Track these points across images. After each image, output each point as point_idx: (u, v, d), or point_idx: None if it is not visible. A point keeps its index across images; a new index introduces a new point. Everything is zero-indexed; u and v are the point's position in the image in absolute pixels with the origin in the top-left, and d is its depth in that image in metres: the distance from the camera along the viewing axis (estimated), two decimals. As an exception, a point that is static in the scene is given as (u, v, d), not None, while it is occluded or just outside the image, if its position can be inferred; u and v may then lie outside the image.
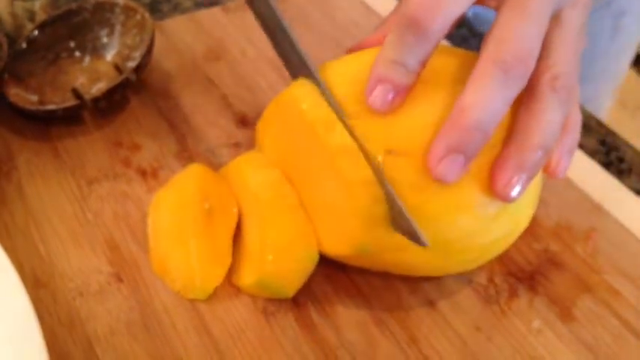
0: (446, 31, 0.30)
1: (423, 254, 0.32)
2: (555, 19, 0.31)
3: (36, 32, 0.46)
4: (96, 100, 0.43)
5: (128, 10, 0.47)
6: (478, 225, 0.31)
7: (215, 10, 0.55)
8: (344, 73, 0.33)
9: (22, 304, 0.30)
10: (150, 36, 0.45)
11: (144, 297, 0.35)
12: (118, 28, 0.47)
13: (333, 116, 0.32)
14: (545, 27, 0.30)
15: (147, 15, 0.46)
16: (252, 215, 0.36)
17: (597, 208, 0.42)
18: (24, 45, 0.45)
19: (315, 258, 0.34)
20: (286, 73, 0.49)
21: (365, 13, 0.56)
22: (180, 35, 0.52)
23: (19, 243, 0.37)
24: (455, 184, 0.30)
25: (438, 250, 0.32)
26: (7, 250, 0.36)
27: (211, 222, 0.36)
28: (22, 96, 0.43)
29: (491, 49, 0.29)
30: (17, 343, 0.29)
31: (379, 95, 0.30)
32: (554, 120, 0.30)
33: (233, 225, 0.36)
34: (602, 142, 0.48)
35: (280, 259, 0.34)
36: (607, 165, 0.46)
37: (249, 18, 0.54)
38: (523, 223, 0.34)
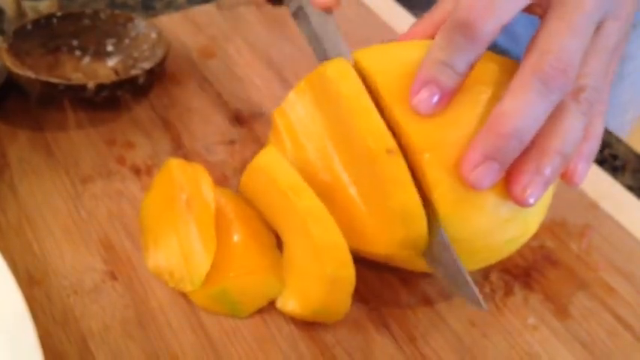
0: (496, 35, 0.30)
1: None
2: (596, 30, 0.31)
3: (43, 21, 0.46)
4: (134, 78, 0.43)
5: (144, 29, 0.47)
6: (490, 226, 0.31)
7: (209, 7, 0.54)
8: (378, 61, 0.33)
9: (16, 303, 0.30)
10: (164, 51, 0.45)
11: (139, 295, 0.35)
12: (126, 41, 0.47)
13: (300, 181, 0.33)
14: (588, 40, 0.30)
15: (162, 34, 0.46)
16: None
17: (592, 205, 0.42)
18: (29, 27, 0.45)
19: (280, 289, 0.35)
20: (281, 72, 0.50)
21: (359, 11, 0.56)
22: (173, 32, 0.52)
23: (12, 241, 0.37)
24: None
25: None
26: (0, 248, 0.36)
27: (191, 211, 0.36)
28: (19, 67, 0.43)
29: (533, 59, 0.29)
30: (11, 341, 0.29)
31: (424, 97, 0.30)
32: (574, 128, 0.30)
33: (211, 210, 0.36)
34: (596, 140, 0.48)
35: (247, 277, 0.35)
36: (601, 162, 0.46)
37: (243, 15, 0.54)
38: (533, 227, 0.34)
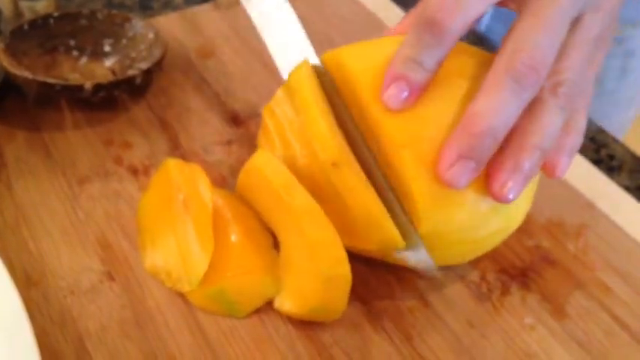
0: (464, 32, 0.30)
1: None
2: (575, 23, 0.31)
3: (40, 21, 0.46)
4: (132, 78, 0.43)
5: (142, 29, 0.47)
6: (471, 220, 0.32)
7: (206, 7, 0.54)
8: (361, 59, 0.34)
9: (13, 303, 0.30)
10: (161, 51, 0.45)
11: (136, 295, 0.35)
12: (123, 41, 0.47)
13: (294, 181, 0.33)
14: (562, 35, 0.30)
15: (160, 34, 0.46)
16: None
17: (588, 205, 0.42)
18: (26, 27, 0.45)
19: (277, 289, 0.35)
20: (278, 72, 0.50)
21: (354, 9, 0.55)
22: (171, 32, 0.52)
23: (9, 242, 0.37)
24: None
25: (430, 242, 0.32)
26: (-3, 248, 0.36)
27: (188, 211, 0.36)
28: (16, 67, 0.43)
29: (505, 56, 0.29)
30: (9, 341, 0.29)
31: (394, 93, 0.31)
32: (551, 123, 0.30)
33: (209, 211, 0.36)
34: (592, 139, 0.48)
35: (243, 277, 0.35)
36: (597, 162, 0.46)
37: (240, 15, 0.54)
38: (517, 219, 0.34)
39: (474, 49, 0.34)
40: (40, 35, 0.46)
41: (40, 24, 0.46)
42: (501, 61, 0.29)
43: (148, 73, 0.44)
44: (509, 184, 0.30)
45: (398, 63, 0.31)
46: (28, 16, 0.49)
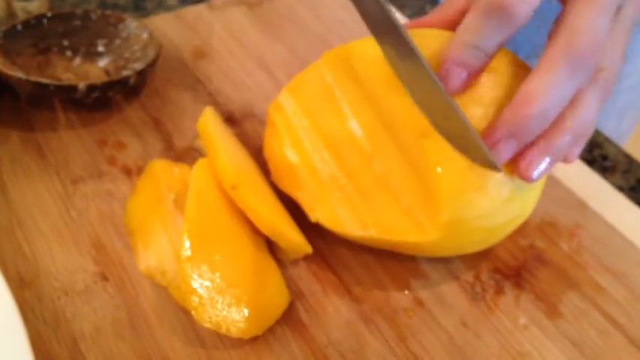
0: (530, 17, 0.30)
1: (434, 235, 0.32)
2: (614, 14, 0.31)
3: (33, 21, 0.46)
4: (126, 79, 0.43)
5: (135, 29, 0.47)
6: (491, 207, 0.32)
7: (200, 8, 0.54)
8: (374, 52, 0.34)
9: (6, 304, 0.30)
10: (155, 51, 0.45)
11: (130, 296, 0.35)
12: (117, 41, 0.47)
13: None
14: (612, 19, 0.30)
15: (154, 34, 0.46)
16: None
17: (582, 205, 0.42)
18: (19, 27, 0.45)
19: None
20: (272, 71, 0.50)
21: (351, 11, 0.56)
22: (165, 33, 0.52)
23: (2, 243, 0.37)
24: (472, 166, 0.31)
25: (450, 230, 0.32)
26: (-10, 249, 0.36)
27: (179, 209, 0.36)
28: (9, 68, 0.42)
29: (562, 39, 0.29)
30: (2, 343, 0.29)
31: (457, 79, 0.31)
32: (590, 109, 0.30)
33: (200, 208, 0.36)
34: (586, 140, 0.48)
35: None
36: (591, 162, 0.47)
37: (234, 15, 0.54)
38: (527, 210, 0.35)
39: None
40: (33, 35, 0.46)
41: (34, 24, 0.46)
42: (558, 44, 0.29)
43: (141, 74, 0.44)
44: (537, 163, 0.30)
45: (461, 50, 0.30)
46: (21, 16, 0.49)
